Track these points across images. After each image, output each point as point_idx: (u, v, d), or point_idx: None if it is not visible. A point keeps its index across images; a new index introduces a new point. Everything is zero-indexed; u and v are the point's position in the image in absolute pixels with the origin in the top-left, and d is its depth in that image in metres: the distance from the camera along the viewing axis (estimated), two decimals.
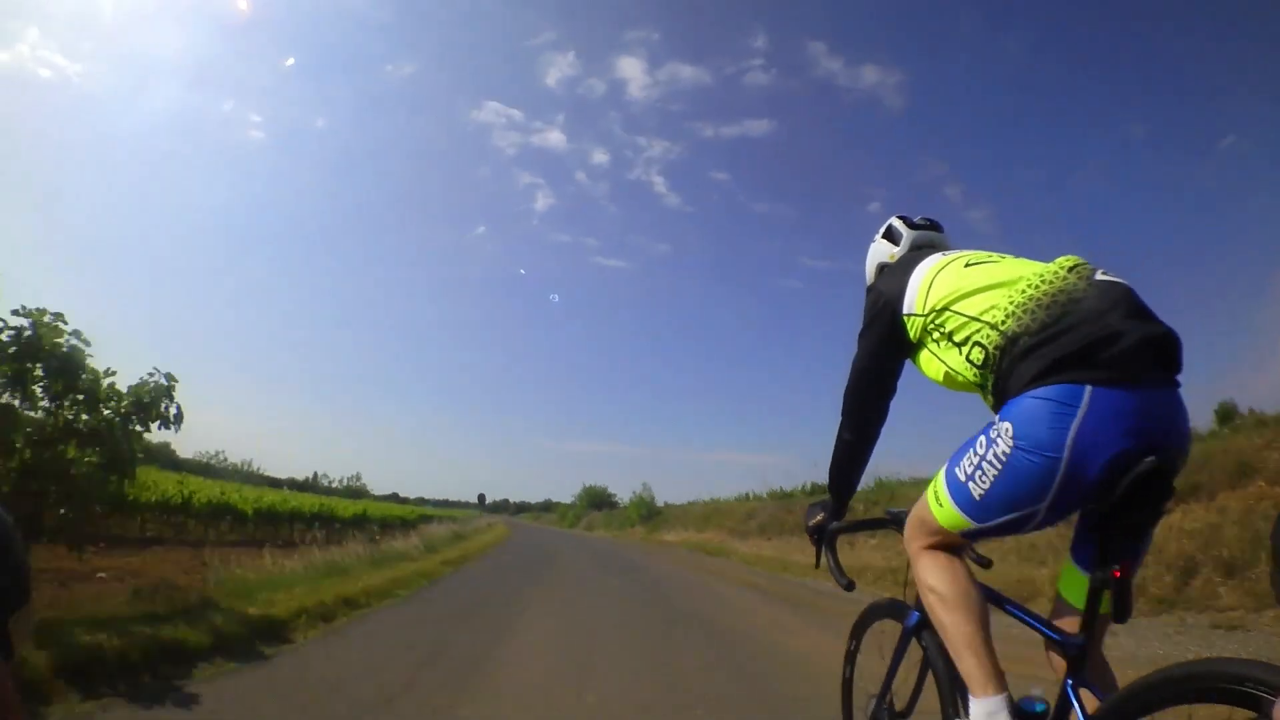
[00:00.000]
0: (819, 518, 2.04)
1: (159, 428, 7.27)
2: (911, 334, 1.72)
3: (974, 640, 1.46)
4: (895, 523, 1.95)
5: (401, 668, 4.61)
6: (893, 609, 2.08)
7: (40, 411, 6.60)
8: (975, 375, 1.55)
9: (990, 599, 1.61)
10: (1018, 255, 1.70)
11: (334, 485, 70.12)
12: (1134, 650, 5.52)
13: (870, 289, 1.94)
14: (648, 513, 39.32)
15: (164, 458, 45.54)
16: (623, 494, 50.94)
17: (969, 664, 1.45)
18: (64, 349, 6.26)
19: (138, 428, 7.21)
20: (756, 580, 12.47)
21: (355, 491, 66.07)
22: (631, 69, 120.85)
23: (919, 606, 1.79)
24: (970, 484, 1.46)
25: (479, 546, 19.55)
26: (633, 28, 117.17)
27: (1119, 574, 1.35)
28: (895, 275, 1.83)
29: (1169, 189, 62.06)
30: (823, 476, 2.03)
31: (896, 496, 14.61)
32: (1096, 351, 1.34)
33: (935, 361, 1.66)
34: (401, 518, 29.86)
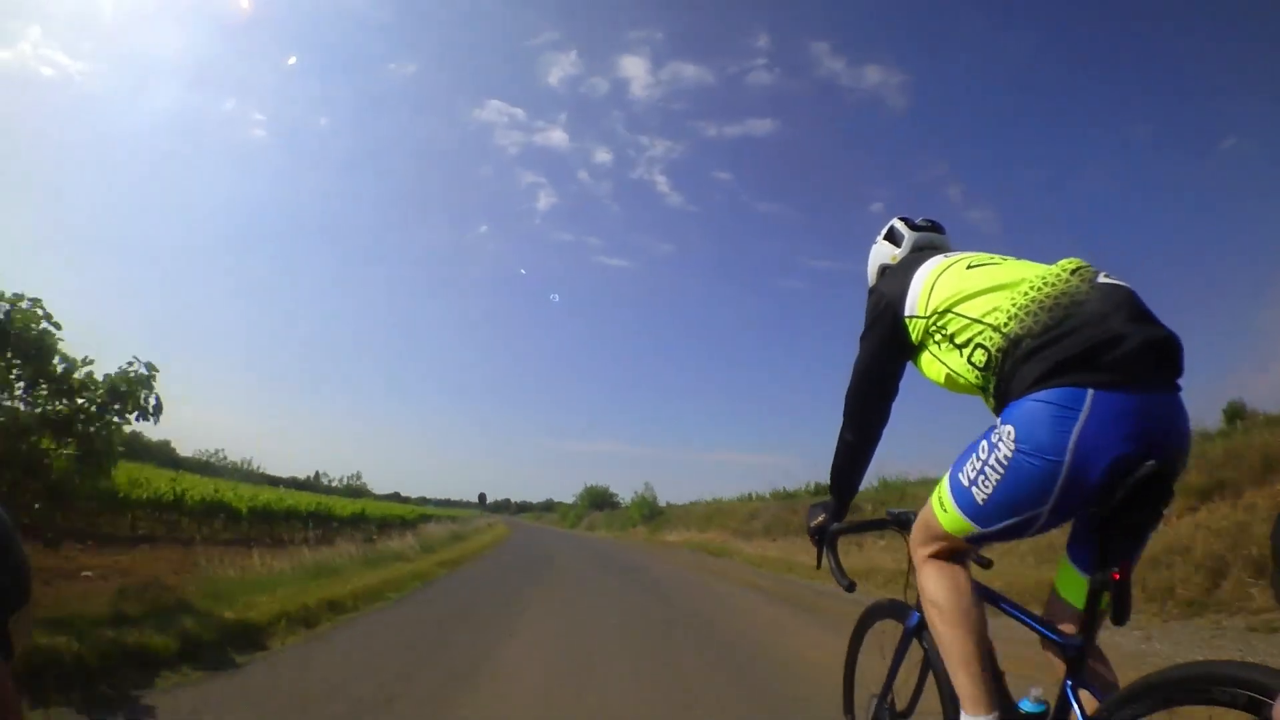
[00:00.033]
0: (820, 519, 2.03)
1: (137, 419, 7.05)
2: (913, 336, 1.72)
3: (971, 659, 1.46)
4: (896, 523, 1.99)
5: (383, 679, 4.25)
6: (894, 609, 2.09)
7: (15, 401, 6.35)
8: (977, 377, 1.54)
9: (989, 599, 1.63)
10: (1019, 256, 1.69)
11: (334, 485, 69.99)
12: (1171, 656, 5.22)
13: (872, 291, 1.96)
14: (650, 513, 38.92)
15: (163, 455, 45.58)
16: (624, 494, 50.63)
17: (963, 682, 1.46)
18: (34, 334, 5.99)
19: (115, 419, 6.98)
20: (761, 582, 12.10)
21: (355, 491, 65.89)
22: (634, 68, 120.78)
23: (920, 607, 1.77)
24: (973, 489, 1.46)
25: (477, 547, 19.19)
26: (635, 27, 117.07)
27: (1118, 576, 1.36)
28: (897, 277, 1.83)
29: (1170, 189, 62.04)
30: (826, 476, 2.03)
31: (906, 496, 14.32)
32: (1099, 355, 1.34)
33: (937, 363, 1.66)
34: (401, 517, 29.56)
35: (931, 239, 2.04)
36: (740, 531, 22.67)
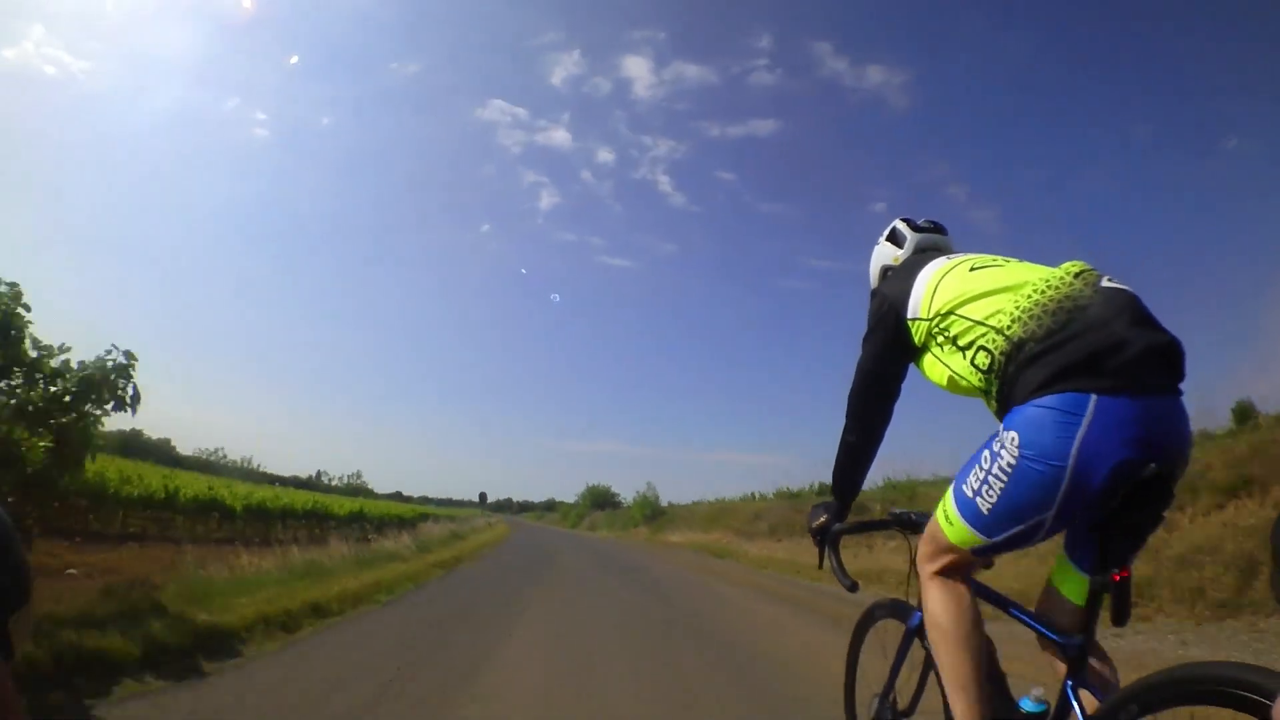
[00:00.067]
0: (822, 519, 2.03)
1: (114, 409, 6.79)
2: (916, 338, 1.72)
3: (969, 683, 1.47)
4: (898, 523, 1.99)
5: (363, 693, 3.90)
6: (895, 609, 2.10)
7: None
8: (979, 380, 1.55)
9: (991, 601, 1.66)
10: (1021, 256, 1.70)
11: (334, 484, 69.84)
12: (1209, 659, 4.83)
13: (874, 292, 1.97)
14: (652, 513, 38.59)
15: (163, 454, 45.54)
16: (626, 494, 50.42)
17: (960, 705, 1.47)
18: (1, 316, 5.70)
19: (95, 410, 6.72)
20: (768, 584, 11.76)
21: (356, 490, 65.69)
22: (637, 68, 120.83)
23: (921, 607, 1.77)
24: (978, 499, 1.46)
25: (476, 547, 18.85)
26: (638, 27, 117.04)
27: (1119, 578, 1.38)
28: (899, 279, 1.83)
29: (1172, 189, 61.95)
30: (828, 476, 2.04)
31: (916, 496, 13.97)
32: (1101, 360, 1.34)
33: (939, 366, 1.66)
34: (400, 516, 29.24)
35: (934, 240, 2.04)
36: (744, 532, 22.23)
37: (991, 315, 1.52)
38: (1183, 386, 1.42)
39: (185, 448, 53.99)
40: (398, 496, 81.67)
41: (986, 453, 1.46)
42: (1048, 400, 1.36)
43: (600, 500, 55.89)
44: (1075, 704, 1.38)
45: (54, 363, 6.55)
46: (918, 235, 2.04)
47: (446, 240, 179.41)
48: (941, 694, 1.63)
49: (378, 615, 6.75)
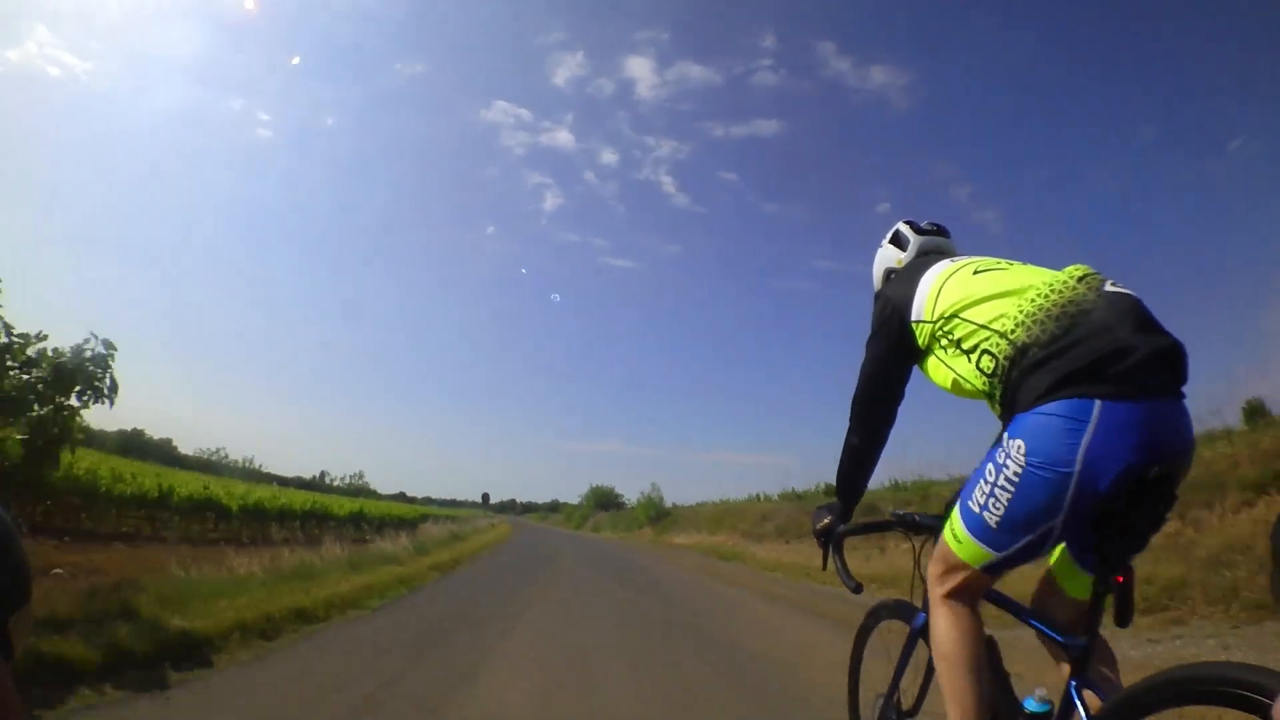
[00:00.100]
0: (826, 521, 2.03)
1: (92, 400, 6.48)
2: (920, 340, 1.73)
3: (970, 711, 1.48)
4: (902, 525, 1.98)
5: (338, 714, 3.53)
6: (899, 610, 2.09)
7: None
8: (984, 384, 1.55)
9: (996, 603, 1.69)
10: (1024, 257, 1.72)
11: (337, 484, 69.72)
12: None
13: (878, 295, 1.97)
14: (656, 514, 38.16)
15: (164, 453, 45.45)
16: (630, 495, 50.03)
17: None
18: None
19: (73, 401, 6.41)
20: (780, 590, 11.34)
21: (358, 490, 65.49)
22: (640, 69, 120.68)
23: (925, 607, 1.81)
24: (985, 513, 1.46)
25: (476, 548, 18.45)
26: (642, 27, 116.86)
27: (1122, 579, 1.39)
28: (903, 281, 1.84)
29: (1178, 190, 61.36)
30: (832, 476, 2.05)
31: (929, 496, 13.57)
32: (1105, 366, 1.35)
33: (943, 368, 1.67)
34: (401, 517, 28.96)
35: (937, 243, 2.04)
36: (751, 534, 21.72)
37: (995, 319, 1.52)
38: (1185, 389, 1.43)
39: (187, 448, 53.93)
40: (401, 497, 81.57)
41: (991, 465, 1.46)
42: (1052, 407, 1.36)
43: (604, 501, 55.56)
44: (1079, 704, 1.39)
45: (31, 351, 6.26)
46: (920, 238, 2.04)
47: (451, 241, 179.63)
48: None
49: (366, 622, 6.35)
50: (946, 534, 1.58)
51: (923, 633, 1.90)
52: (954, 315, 1.61)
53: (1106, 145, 69.61)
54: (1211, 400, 10.29)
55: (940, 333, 1.66)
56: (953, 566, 1.57)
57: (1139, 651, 5.37)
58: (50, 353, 6.21)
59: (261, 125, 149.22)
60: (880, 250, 2.13)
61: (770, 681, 4.65)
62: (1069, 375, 1.36)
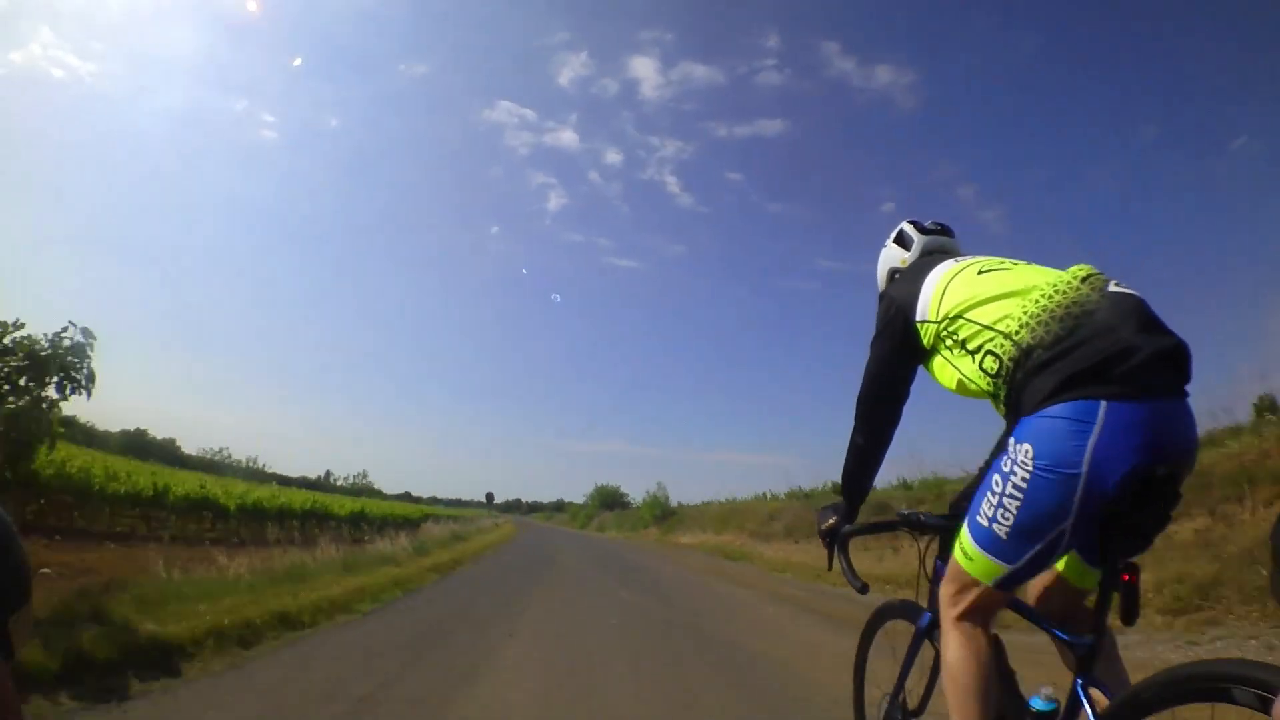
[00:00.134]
0: (831, 521, 2.02)
1: (70, 391, 6.21)
2: (924, 340, 1.73)
3: None
4: (907, 524, 1.95)
5: None
6: (905, 610, 2.11)
7: None
8: (988, 384, 1.55)
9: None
10: (1029, 256, 1.72)
11: (341, 484, 69.60)
12: None
13: (882, 295, 1.97)
14: (662, 513, 37.73)
15: (167, 453, 45.39)
16: (635, 494, 49.63)
17: None
18: None
19: (51, 392, 6.14)
20: (791, 592, 10.96)
21: (361, 490, 65.35)
22: (644, 68, 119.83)
23: (931, 607, 1.86)
24: (995, 525, 1.45)
25: (478, 549, 18.11)
26: (646, 27, 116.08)
27: (1128, 578, 1.41)
28: (907, 281, 1.84)
29: (1180, 189, 61.18)
30: (836, 475, 2.10)
31: (944, 494, 13.15)
32: (1110, 367, 1.35)
33: (948, 368, 1.67)
34: (404, 516, 28.67)
35: (941, 243, 2.04)
36: (759, 534, 21.27)
37: (1000, 320, 1.52)
38: (1189, 389, 1.43)
39: (191, 448, 53.83)
40: (407, 497, 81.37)
41: (997, 477, 1.45)
42: (1058, 409, 1.36)
43: (609, 501, 55.17)
44: (1085, 702, 1.39)
45: (7, 340, 6.01)
46: (924, 238, 2.03)
47: (456, 241, 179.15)
48: None
49: (354, 628, 5.98)
50: (957, 553, 1.56)
51: (928, 632, 1.91)
52: (958, 315, 1.61)
53: (1108, 145, 69.37)
54: (1221, 398, 10.06)
55: (945, 333, 1.65)
56: (965, 586, 1.54)
57: (1179, 655, 5.04)
58: (25, 341, 5.95)
59: (265, 126, 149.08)
60: (884, 250, 2.12)
61: (790, 691, 4.28)
62: (1073, 377, 1.36)
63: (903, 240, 2.07)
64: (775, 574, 13.83)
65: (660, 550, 23.69)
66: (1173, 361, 1.39)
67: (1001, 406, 1.54)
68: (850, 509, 2.00)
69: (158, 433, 52.68)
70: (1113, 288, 1.49)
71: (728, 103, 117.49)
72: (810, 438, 70.87)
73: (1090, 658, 1.44)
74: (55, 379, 6.08)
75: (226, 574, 7.21)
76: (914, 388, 1.87)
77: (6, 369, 5.81)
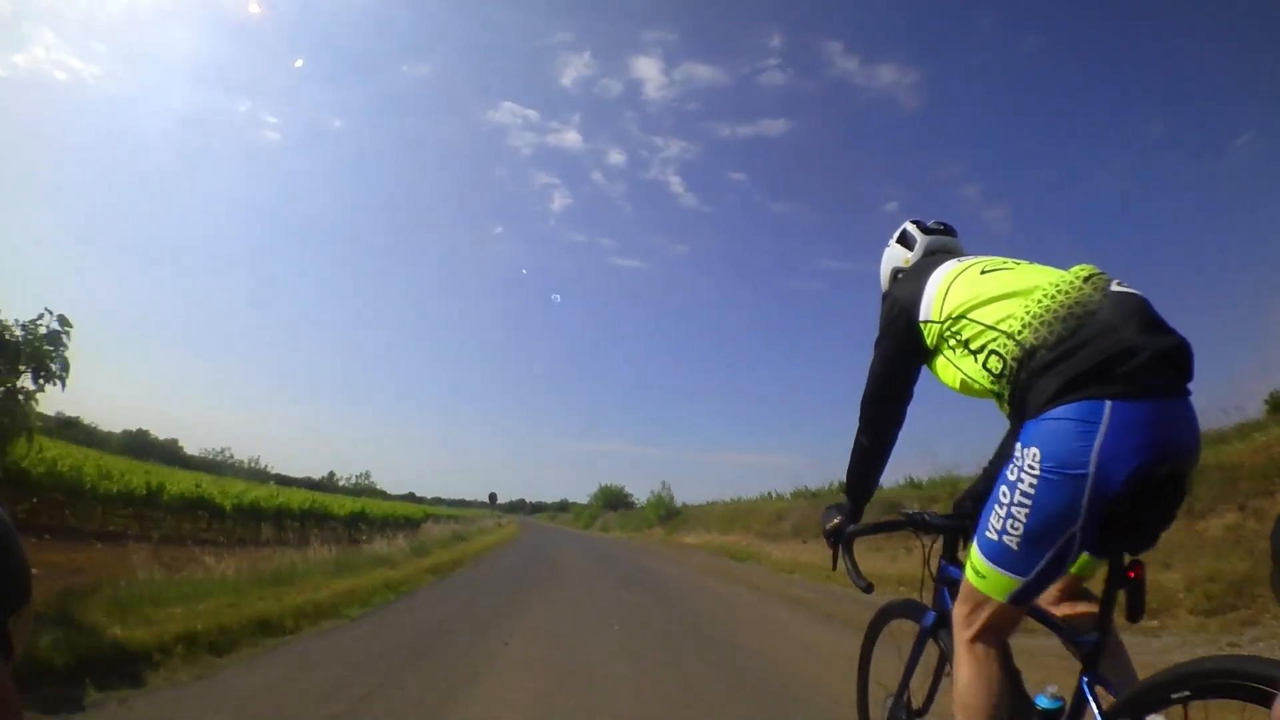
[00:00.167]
0: (836, 521, 2.02)
1: (45, 382, 5.94)
2: (928, 341, 1.73)
3: None
4: (911, 524, 1.98)
5: None
6: (909, 609, 2.10)
7: None
8: (991, 384, 1.55)
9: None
10: (1032, 256, 1.73)
11: (344, 485, 69.48)
12: None
13: (886, 295, 1.97)
14: (666, 513, 37.39)
15: (169, 454, 45.24)
16: (640, 494, 49.24)
17: None
18: None
19: (27, 383, 5.89)
20: (801, 593, 10.60)
21: (363, 490, 65.18)
22: (648, 69, 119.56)
23: (936, 606, 1.91)
24: (1005, 537, 1.45)
25: (478, 549, 17.77)
26: (649, 27, 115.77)
27: (1134, 575, 1.43)
28: (910, 281, 1.84)
29: (1185, 187, 60.98)
30: (840, 475, 2.09)
31: (958, 492, 12.78)
32: (1113, 367, 1.35)
33: (951, 368, 1.67)
34: (405, 516, 28.42)
35: (944, 242, 2.04)
36: (766, 534, 20.89)
37: (1003, 320, 1.52)
38: (1192, 388, 1.43)
39: (193, 449, 53.74)
40: (410, 498, 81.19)
41: (1004, 488, 1.45)
42: (1063, 411, 1.36)
43: (613, 500, 54.85)
44: (1091, 700, 1.41)
45: None
46: (927, 237, 2.04)
47: (460, 242, 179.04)
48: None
49: (338, 635, 5.60)
50: (968, 573, 1.54)
51: (933, 632, 1.93)
52: (961, 315, 1.61)
53: (1111, 144, 69.11)
54: (1224, 397, 10.07)
55: (948, 333, 1.65)
56: (978, 605, 1.52)
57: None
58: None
59: (269, 128, 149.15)
60: (887, 250, 2.12)
61: (790, 692, 3.95)
62: (1077, 378, 1.36)
63: (906, 240, 2.08)
64: (783, 575, 13.45)
65: (665, 551, 23.29)
66: (1175, 361, 1.39)
67: (1005, 406, 1.54)
68: (855, 509, 2.00)
69: (160, 433, 52.66)
70: (1115, 287, 1.49)
71: (731, 103, 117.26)
72: (814, 438, 70.90)
73: (1096, 655, 1.46)
74: (29, 368, 5.82)
75: (213, 575, 6.92)
76: (923, 385, 1.86)
77: None
